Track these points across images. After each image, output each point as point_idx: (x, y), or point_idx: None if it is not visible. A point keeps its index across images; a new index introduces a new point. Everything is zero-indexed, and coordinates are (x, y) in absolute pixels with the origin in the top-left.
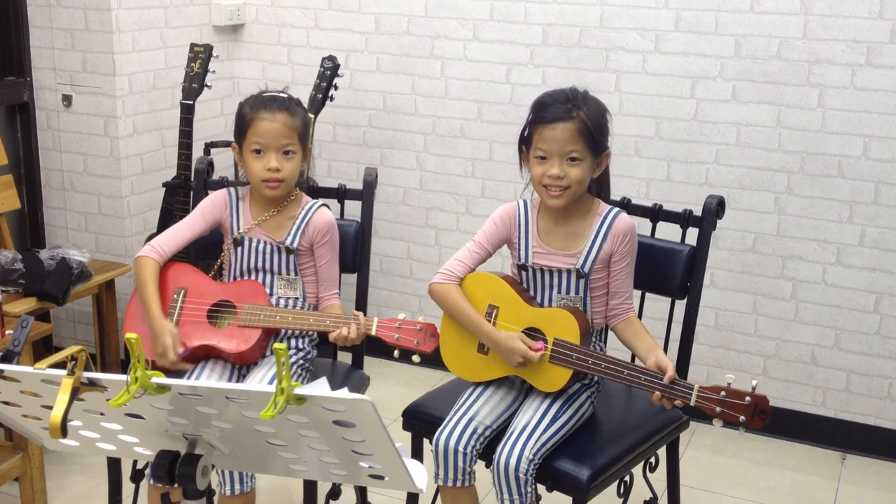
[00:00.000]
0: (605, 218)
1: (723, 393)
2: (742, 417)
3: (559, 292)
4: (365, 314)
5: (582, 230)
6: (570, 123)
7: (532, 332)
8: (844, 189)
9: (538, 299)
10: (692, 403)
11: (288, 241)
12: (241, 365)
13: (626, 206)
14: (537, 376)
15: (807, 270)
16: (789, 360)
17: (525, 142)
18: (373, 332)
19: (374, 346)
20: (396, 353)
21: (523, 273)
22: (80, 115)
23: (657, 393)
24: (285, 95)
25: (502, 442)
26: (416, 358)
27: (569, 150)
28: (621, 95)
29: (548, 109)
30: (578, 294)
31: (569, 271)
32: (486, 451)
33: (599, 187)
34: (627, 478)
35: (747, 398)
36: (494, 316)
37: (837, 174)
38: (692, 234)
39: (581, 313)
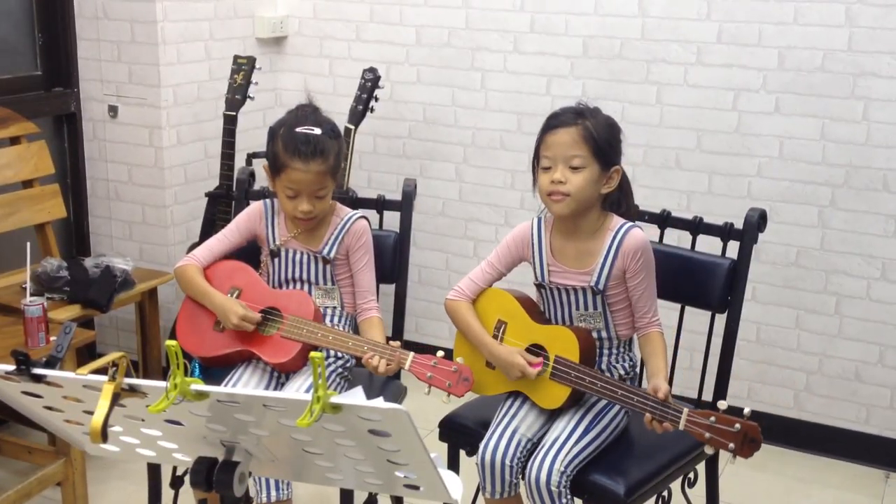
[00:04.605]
0: (616, 233)
1: (712, 418)
2: (731, 445)
3: (577, 309)
4: (402, 331)
5: (594, 247)
6: (573, 128)
7: (536, 349)
8: (890, 203)
9: (558, 316)
10: (681, 427)
11: (325, 251)
12: (281, 373)
13: (666, 218)
14: (538, 392)
15: (851, 285)
16: (833, 376)
17: (536, 157)
18: (406, 368)
19: None
20: (428, 390)
21: (542, 291)
22: (126, 125)
23: (648, 415)
24: (318, 132)
25: (534, 455)
26: (445, 399)
27: (571, 155)
28: (662, 107)
29: (555, 118)
30: (598, 310)
31: (584, 289)
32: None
33: (620, 202)
34: (666, 493)
35: (737, 425)
36: (502, 331)
37: (883, 188)
38: (733, 248)
39: (586, 333)
